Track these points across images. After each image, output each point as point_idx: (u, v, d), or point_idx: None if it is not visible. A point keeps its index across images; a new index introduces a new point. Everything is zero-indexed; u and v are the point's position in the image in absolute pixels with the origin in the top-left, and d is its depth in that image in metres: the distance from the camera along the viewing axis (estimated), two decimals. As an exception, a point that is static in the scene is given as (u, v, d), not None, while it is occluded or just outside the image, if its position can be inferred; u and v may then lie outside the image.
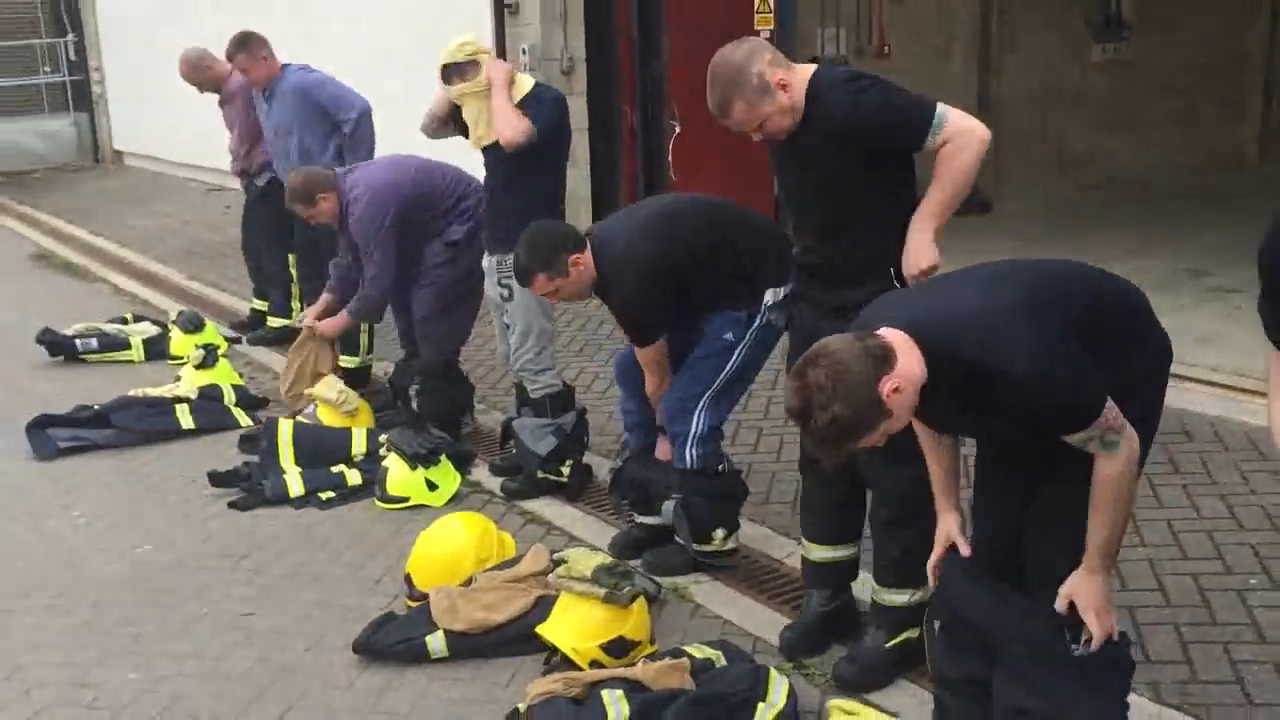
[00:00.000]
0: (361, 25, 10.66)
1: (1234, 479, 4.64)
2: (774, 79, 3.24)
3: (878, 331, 2.57)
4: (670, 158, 8.31)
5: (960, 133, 3.23)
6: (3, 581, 4.31)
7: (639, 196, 8.17)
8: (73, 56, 18.43)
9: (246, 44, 6.55)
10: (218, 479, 5.08)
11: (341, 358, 6.13)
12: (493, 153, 4.81)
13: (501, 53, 8.70)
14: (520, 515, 4.78)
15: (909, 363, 2.51)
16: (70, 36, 18.37)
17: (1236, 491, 4.53)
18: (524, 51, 8.57)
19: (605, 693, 3.14)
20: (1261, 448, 4.82)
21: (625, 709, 3.09)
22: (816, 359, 2.50)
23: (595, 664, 3.47)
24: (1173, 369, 2.91)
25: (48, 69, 18.80)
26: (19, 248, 11.60)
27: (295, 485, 4.97)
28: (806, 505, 3.75)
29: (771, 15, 8.71)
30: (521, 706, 3.23)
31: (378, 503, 4.88)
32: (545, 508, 4.81)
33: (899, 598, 3.46)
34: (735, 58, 3.26)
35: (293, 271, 7.14)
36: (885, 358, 2.49)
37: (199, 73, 7.19)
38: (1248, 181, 12.45)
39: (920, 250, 3.30)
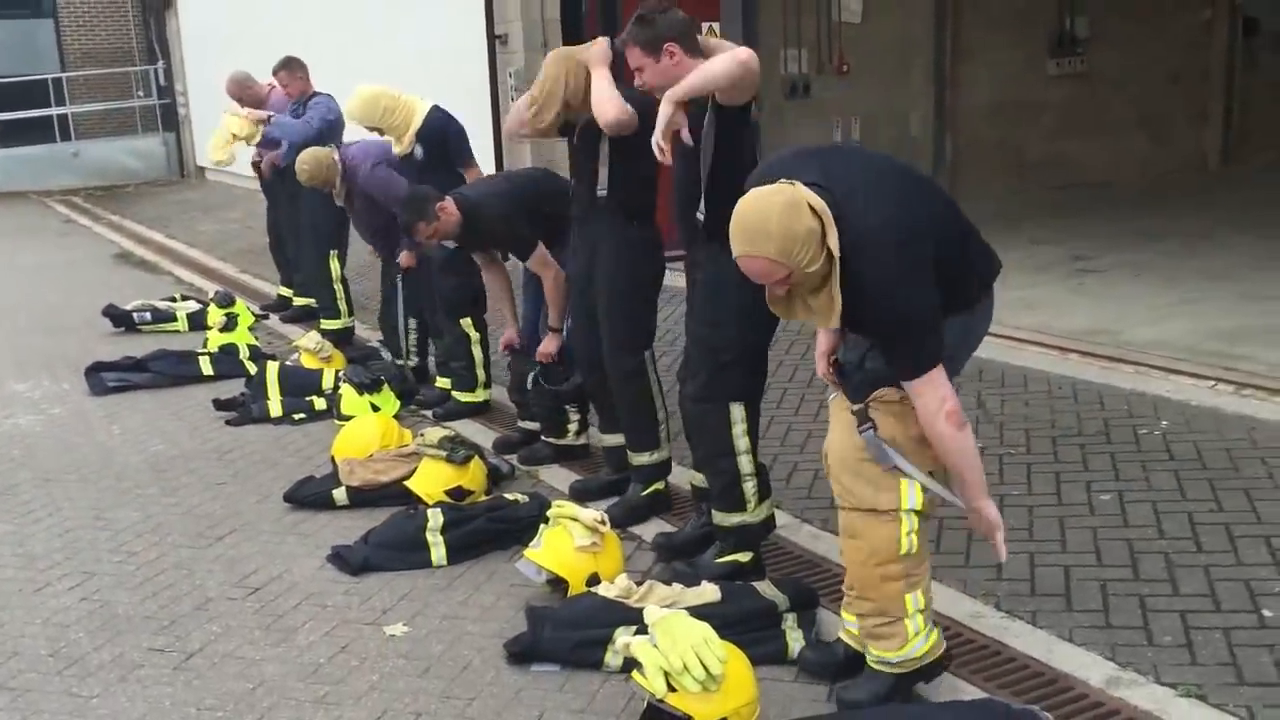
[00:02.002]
0: (380, 49, 12.36)
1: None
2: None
3: None
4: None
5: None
6: (55, 465, 5.96)
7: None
8: (162, 82, 20.32)
9: (289, 64, 8.19)
10: (220, 404, 6.71)
11: (324, 322, 7.80)
12: (407, 161, 6.27)
13: (493, 76, 10.30)
14: (442, 429, 6.27)
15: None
16: (160, 64, 20.29)
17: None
18: (511, 75, 10.11)
19: (429, 510, 4.63)
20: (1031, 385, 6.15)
21: (442, 519, 4.58)
22: None
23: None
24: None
25: (140, 93, 20.78)
26: (105, 249, 13.48)
27: (275, 408, 6.55)
28: None
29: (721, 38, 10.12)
30: (378, 525, 4.74)
31: (335, 421, 6.41)
32: (461, 425, 6.31)
33: (643, 458, 4.82)
34: None
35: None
36: None
37: (242, 89, 8.86)
38: (1205, 183, 13.50)
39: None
